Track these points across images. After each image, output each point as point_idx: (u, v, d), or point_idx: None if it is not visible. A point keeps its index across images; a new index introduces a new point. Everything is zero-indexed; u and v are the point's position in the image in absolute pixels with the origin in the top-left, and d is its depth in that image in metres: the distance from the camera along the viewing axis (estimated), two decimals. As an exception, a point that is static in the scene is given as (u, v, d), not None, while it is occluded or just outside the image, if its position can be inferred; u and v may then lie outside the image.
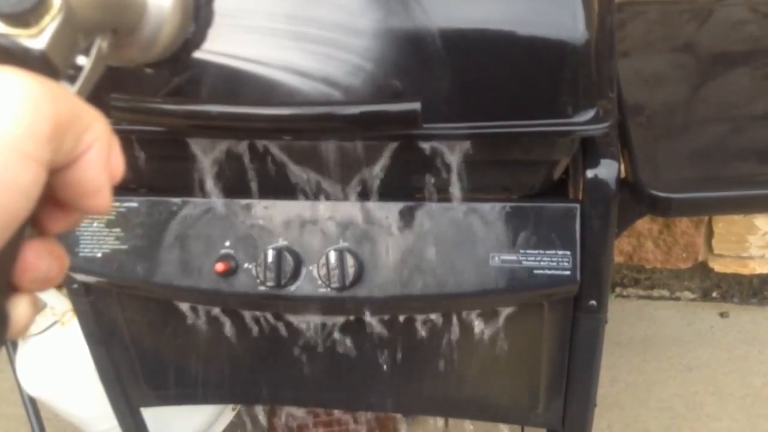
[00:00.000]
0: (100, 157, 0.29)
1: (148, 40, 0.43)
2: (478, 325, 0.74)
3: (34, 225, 0.30)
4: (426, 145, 0.61)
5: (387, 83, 0.56)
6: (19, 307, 0.29)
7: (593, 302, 0.70)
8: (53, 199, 0.30)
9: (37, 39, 0.31)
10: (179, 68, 0.54)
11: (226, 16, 0.50)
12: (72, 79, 0.36)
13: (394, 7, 0.55)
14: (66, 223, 0.31)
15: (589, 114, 0.58)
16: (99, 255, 0.72)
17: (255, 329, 0.79)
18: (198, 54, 0.49)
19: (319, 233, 0.69)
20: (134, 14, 0.42)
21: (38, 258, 0.29)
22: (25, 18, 0.31)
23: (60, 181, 0.29)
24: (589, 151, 0.65)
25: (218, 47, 0.52)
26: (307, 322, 0.77)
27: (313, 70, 0.55)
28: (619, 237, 1.45)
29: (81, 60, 0.37)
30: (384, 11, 0.55)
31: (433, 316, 0.75)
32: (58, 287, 1.03)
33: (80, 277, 0.76)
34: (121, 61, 0.44)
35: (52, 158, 0.27)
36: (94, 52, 0.38)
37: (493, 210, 0.67)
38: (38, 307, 0.30)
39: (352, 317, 0.75)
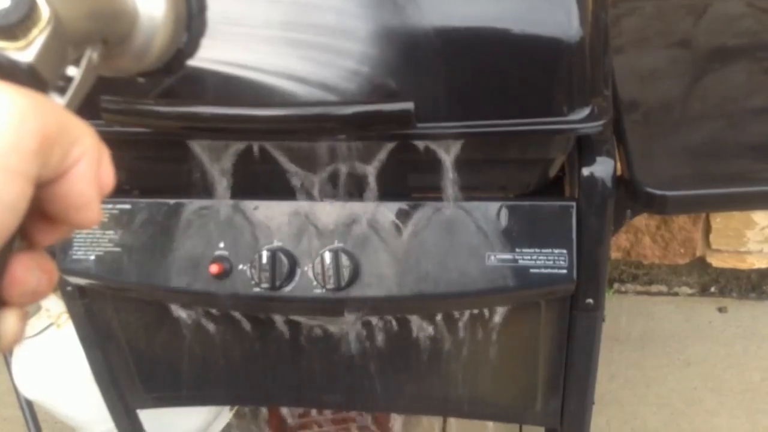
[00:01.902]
0: (89, 170, 0.29)
1: (139, 50, 0.43)
2: (474, 325, 0.74)
3: (23, 238, 0.30)
4: (420, 145, 0.60)
5: (381, 83, 0.56)
6: (7, 321, 0.29)
7: (590, 300, 0.69)
8: (42, 213, 0.29)
9: (25, 52, 0.31)
10: (172, 78, 0.53)
11: (218, 25, 0.49)
12: (62, 91, 0.36)
13: (387, 7, 0.54)
14: (55, 236, 0.31)
15: (585, 112, 0.58)
16: (92, 257, 0.72)
17: (250, 330, 0.78)
18: (191, 62, 0.48)
19: (314, 234, 0.69)
20: (125, 24, 0.41)
21: (27, 272, 0.29)
22: (12, 31, 0.30)
23: (48, 195, 0.28)
24: (585, 148, 0.65)
25: (211, 55, 0.51)
26: (303, 323, 0.77)
27: (307, 74, 0.55)
28: (616, 234, 1.45)
29: (71, 71, 0.36)
30: (377, 11, 0.54)
31: (429, 316, 0.74)
32: (53, 289, 1.02)
33: (74, 279, 0.76)
34: (113, 72, 0.43)
35: (39, 172, 0.27)
36: (84, 63, 0.37)
37: (488, 209, 0.66)
38: (27, 320, 0.30)
39: (347, 317, 0.74)
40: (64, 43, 0.33)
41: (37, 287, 0.29)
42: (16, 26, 0.30)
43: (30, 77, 0.31)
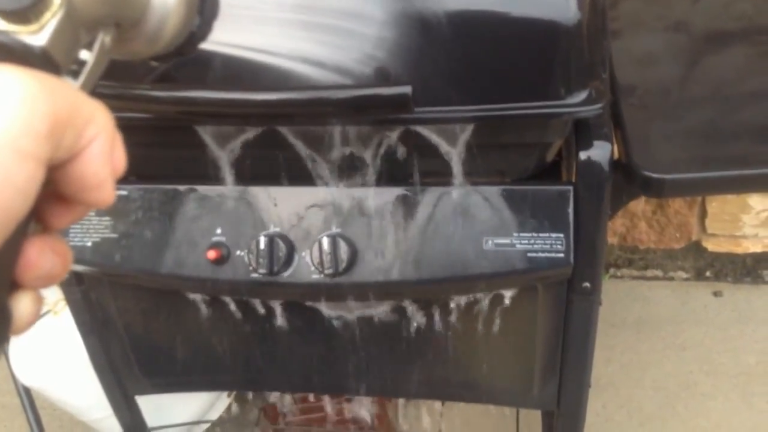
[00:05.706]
0: (103, 150, 0.29)
1: (152, 33, 0.43)
2: (471, 309, 0.74)
3: (37, 221, 0.30)
4: (417, 129, 0.60)
5: (378, 67, 0.55)
6: (21, 304, 0.29)
7: (587, 284, 0.70)
8: (56, 195, 0.29)
9: (38, 36, 0.31)
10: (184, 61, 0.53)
11: (231, 8, 0.49)
12: (75, 75, 0.36)
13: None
14: (70, 218, 0.31)
15: (582, 95, 0.58)
16: (89, 244, 0.72)
17: (248, 316, 0.78)
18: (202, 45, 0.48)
19: (312, 219, 0.68)
20: (137, 8, 0.41)
21: (41, 255, 0.29)
22: (25, 14, 0.30)
23: (63, 176, 0.28)
24: (582, 132, 0.64)
25: (224, 39, 0.51)
26: (302, 308, 0.77)
27: (315, 57, 0.55)
28: (613, 218, 1.46)
29: (84, 54, 0.36)
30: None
31: (426, 300, 0.74)
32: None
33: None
34: (126, 55, 0.43)
35: (52, 154, 0.27)
36: (97, 46, 0.37)
37: (486, 194, 0.66)
38: (42, 303, 0.30)
39: (345, 302, 0.74)
40: (77, 27, 0.33)
41: (51, 270, 0.29)
42: (29, 10, 0.30)
43: (43, 61, 0.31)
